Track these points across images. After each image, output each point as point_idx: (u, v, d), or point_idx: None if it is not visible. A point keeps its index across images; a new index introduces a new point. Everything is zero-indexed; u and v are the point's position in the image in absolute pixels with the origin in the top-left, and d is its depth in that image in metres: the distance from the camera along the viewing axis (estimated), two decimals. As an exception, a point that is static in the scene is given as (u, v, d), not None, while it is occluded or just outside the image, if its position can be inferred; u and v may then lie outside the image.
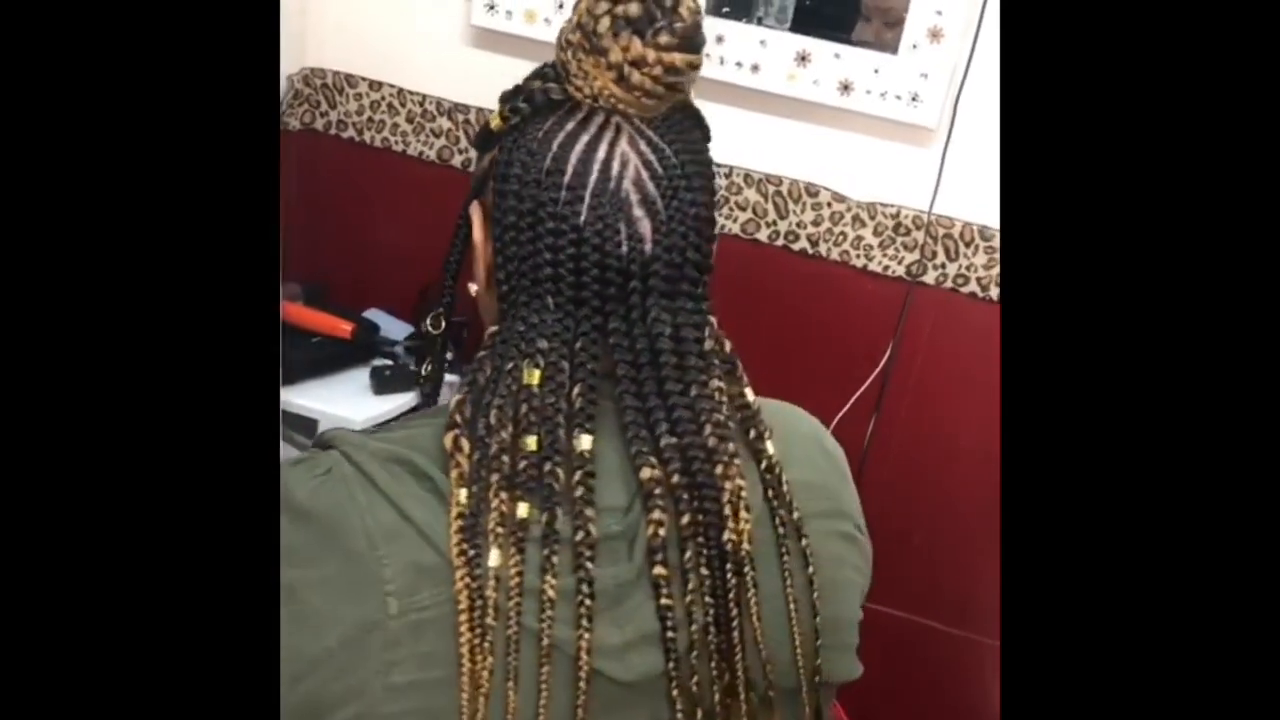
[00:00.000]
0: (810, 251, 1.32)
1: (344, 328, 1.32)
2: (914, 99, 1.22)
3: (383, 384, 1.28)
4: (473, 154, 1.40)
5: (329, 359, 1.31)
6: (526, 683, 0.54)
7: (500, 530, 0.55)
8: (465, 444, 0.56)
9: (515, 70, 0.63)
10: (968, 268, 1.28)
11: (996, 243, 1.26)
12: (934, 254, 1.28)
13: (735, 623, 0.58)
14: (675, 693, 0.57)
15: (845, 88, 1.24)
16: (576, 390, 0.58)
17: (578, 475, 0.57)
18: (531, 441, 0.56)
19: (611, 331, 0.59)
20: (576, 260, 0.57)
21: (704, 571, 0.57)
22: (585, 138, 0.58)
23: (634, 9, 0.57)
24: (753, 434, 0.61)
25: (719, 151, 0.64)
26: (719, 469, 0.58)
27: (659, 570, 0.57)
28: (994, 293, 1.27)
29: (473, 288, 0.66)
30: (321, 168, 1.48)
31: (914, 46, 1.20)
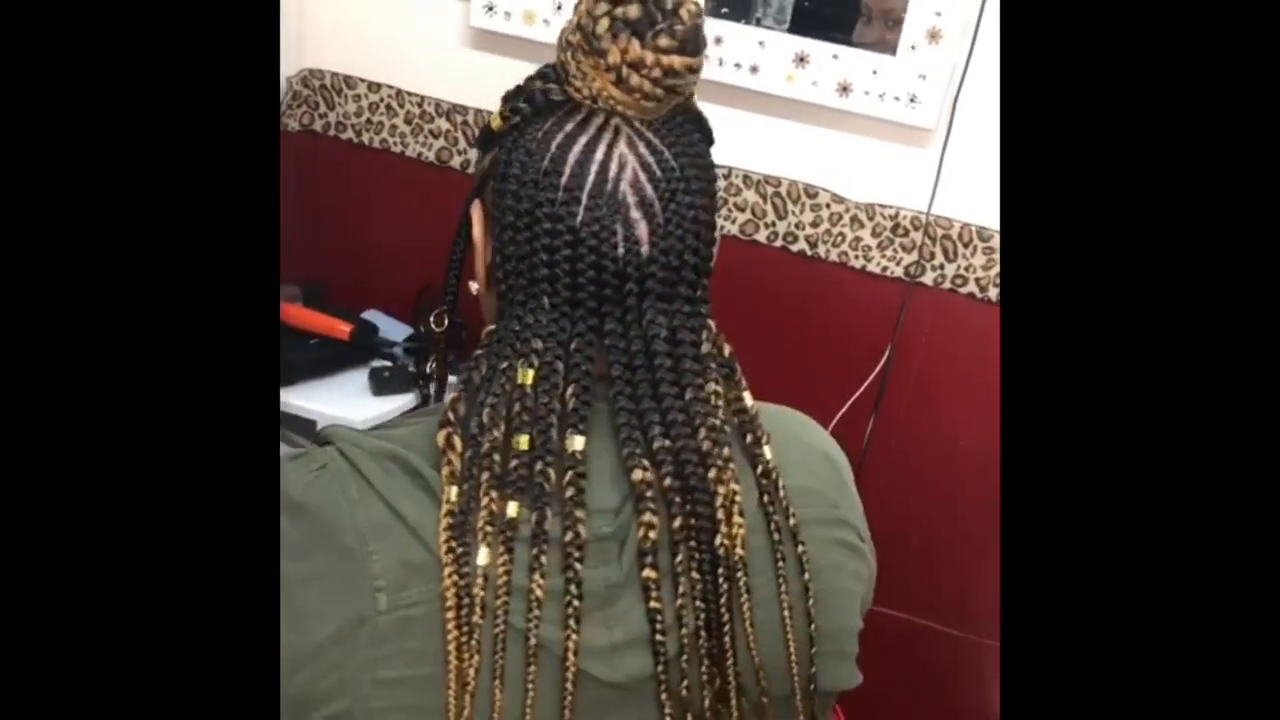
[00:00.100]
0: (809, 252, 1.32)
1: (343, 329, 1.32)
2: (912, 100, 1.22)
3: (381, 385, 1.28)
4: (471, 155, 1.41)
5: (328, 360, 1.31)
6: (513, 682, 0.54)
7: (489, 529, 0.55)
8: (458, 442, 0.56)
9: (514, 71, 0.63)
10: (966, 268, 1.28)
11: (995, 243, 1.26)
12: (932, 255, 1.28)
13: (727, 628, 0.57)
14: (664, 696, 0.57)
15: (844, 89, 1.24)
16: (570, 391, 0.58)
17: (569, 476, 0.56)
18: (523, 440, 0.56)
19: (607, 333, 0.59)
20: (572, 261, 0.57)
21: (695, 576, 0.57)
22: (584, 139, 0.58)
23: (633, 11, 0.57)
24: (750, 439, 0.61)
25: (717, 152, 0.64)
26: (712, 473, 0.58)
27: (649, 573, 0.56)
28: (993, 293, 1.27)
29: (474, 287, 0.66)
30: (320, 169, 1.48)
31: (912, 48, 1.20)
